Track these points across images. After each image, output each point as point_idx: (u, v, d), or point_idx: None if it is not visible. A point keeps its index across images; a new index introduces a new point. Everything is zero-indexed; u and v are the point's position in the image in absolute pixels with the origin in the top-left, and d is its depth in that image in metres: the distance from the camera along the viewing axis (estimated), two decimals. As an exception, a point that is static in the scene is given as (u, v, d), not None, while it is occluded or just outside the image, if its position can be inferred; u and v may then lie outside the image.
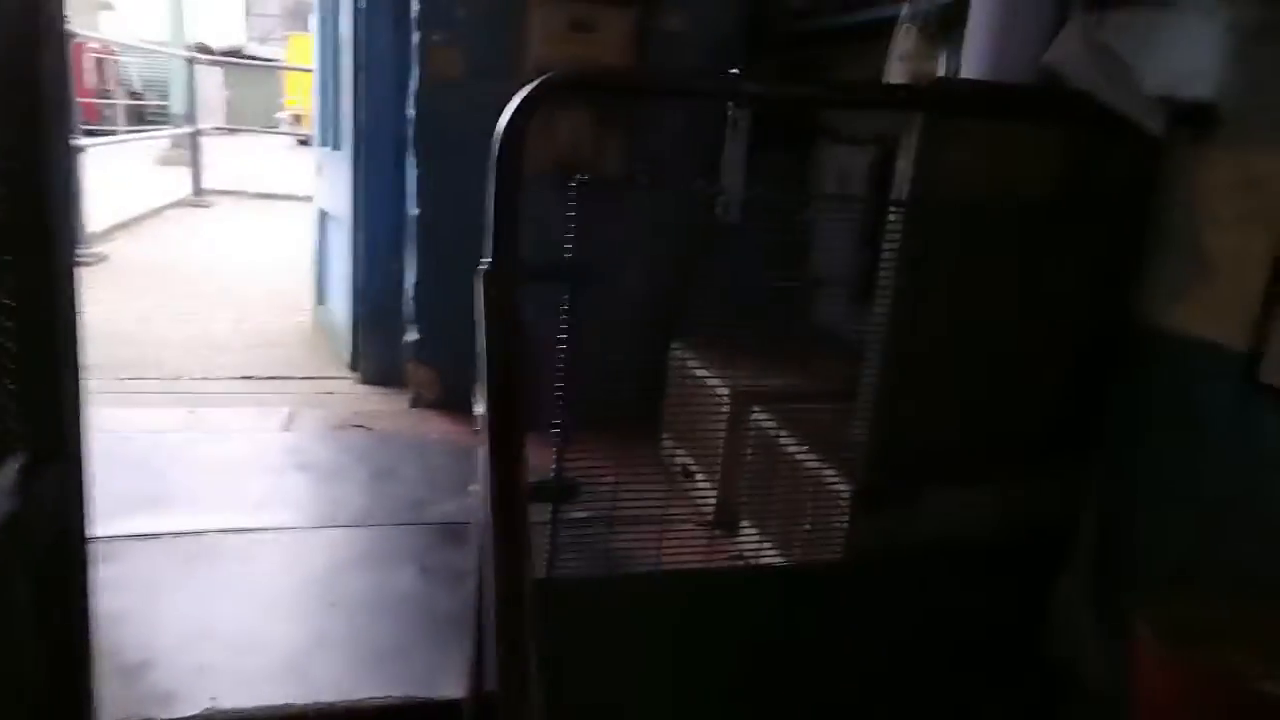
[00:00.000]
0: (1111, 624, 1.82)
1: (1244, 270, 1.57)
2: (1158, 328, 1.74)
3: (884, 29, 2.49)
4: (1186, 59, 1.71)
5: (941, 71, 1.98)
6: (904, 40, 2.01)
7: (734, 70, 1.47)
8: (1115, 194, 1.72)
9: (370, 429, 2.94)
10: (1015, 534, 1.83)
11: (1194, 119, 1.65)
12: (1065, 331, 1.75)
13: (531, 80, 1.36)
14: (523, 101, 1.28)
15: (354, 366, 3.47)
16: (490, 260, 1.33)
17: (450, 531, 2.27)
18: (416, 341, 3.10)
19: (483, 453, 1.28)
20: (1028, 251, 1.66)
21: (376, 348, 3.37)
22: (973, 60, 1.69)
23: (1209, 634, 1.39)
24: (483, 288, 1.31)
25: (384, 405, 3.17)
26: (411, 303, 3.10)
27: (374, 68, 3.12)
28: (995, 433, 1.76)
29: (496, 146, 1.29)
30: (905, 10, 2.02)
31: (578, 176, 1.42)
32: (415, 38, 2.85)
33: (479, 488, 1.39)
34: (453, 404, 3.10)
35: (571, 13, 2.75)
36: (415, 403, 3.15)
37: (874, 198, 2.00)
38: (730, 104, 1.40)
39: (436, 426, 3.00)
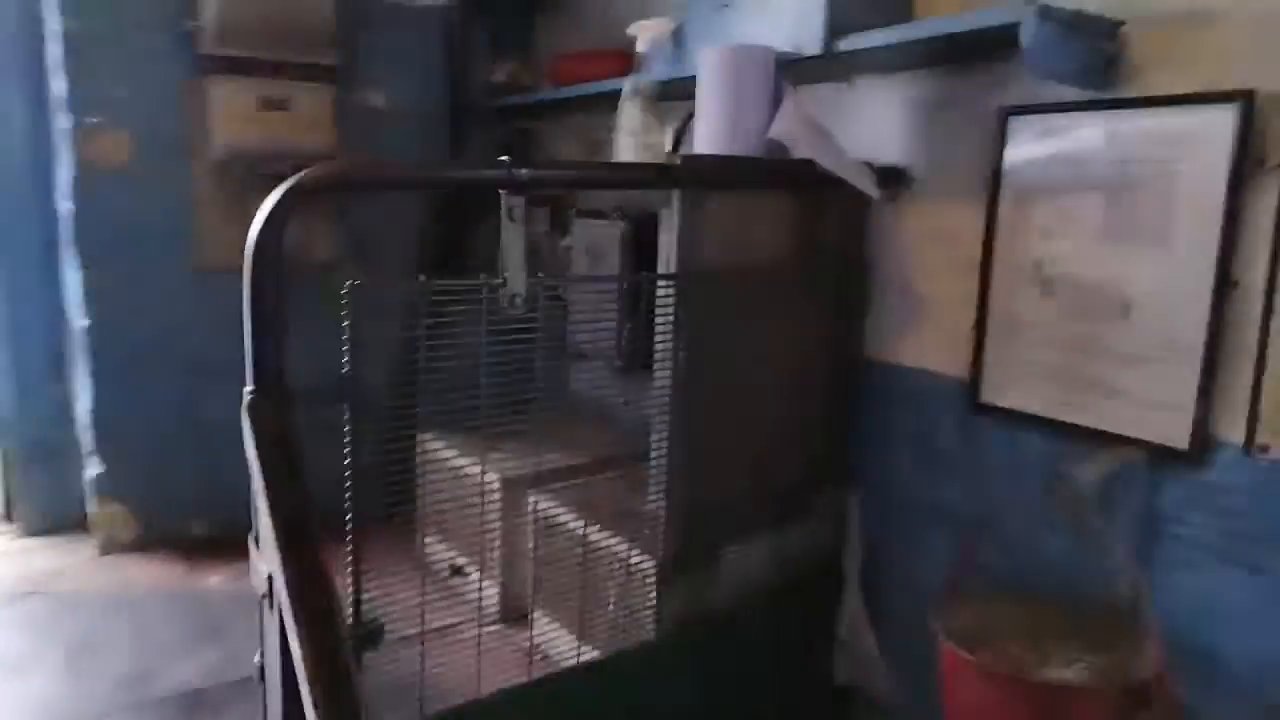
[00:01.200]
0: (890, 641, 1.98)
1: (954, 309, 1.81)
2: (891, 363, 1.95)
3: (592, 102, 2.60)
4: (877, 129, 1.96)
5: (668, 145, 2.08)
6: (630, 116, 2.08)
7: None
8: (843, 248, 1.91)
9: (50, 593, 2.39)
10: (803, 571, 1.93)
11: (892, 180, 1.88)
12: (816, 376, 1.89)
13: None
14: (273, 209, 1.10)
15: (9, 516, 2.81)
16: (254, 389, 1.12)
17: (193, 703, 1.89)
18: (101, 475, 2.59)
19: (270, 618, 1.07)
20: (780, 307, 1.78)
21: (41, 489, 2.77)
22: (706, 136, 1.78)
23: (992, 635, 1.56)
24: (250, 420, 1.10)
25: (62, 559, 2.60)
26: (90, 430, 2.59)
27: (5, 158, 2.60)
28: (772, 480, 1.84)
29: (249, 260, 1.10)
30: (627, 87, 2.09)
31: (349, 281, 1.26)
32: (64, 120, 2.42)
33: (263, 659, 1.17)
34: (156, 543, 2.63)
35: (261, 90, 2.50)
36: (106, 549, 2.62)
37: (635, 270, 2.02)
38: (503, 191, 1.33)
39: (142, 574, 2.51)
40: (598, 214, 2.17)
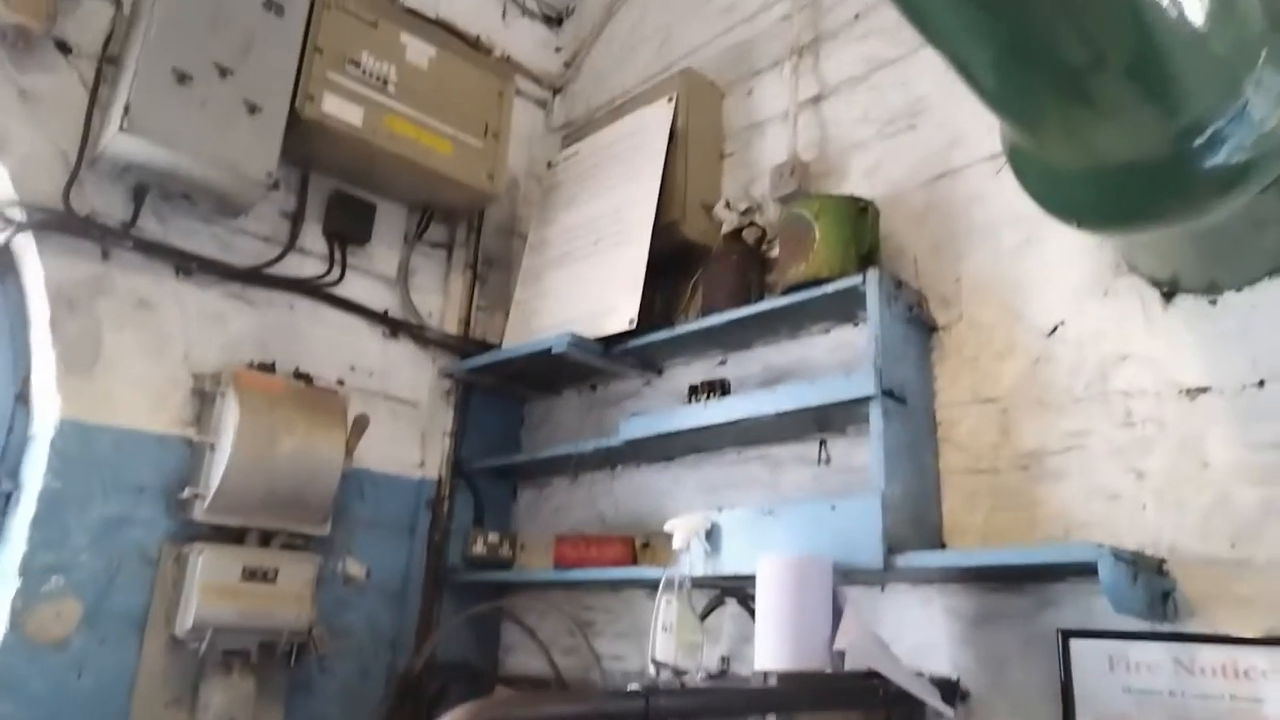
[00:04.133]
0: None
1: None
2: None
3: (584, 584, 2.58)
4: (913, 635, 1.97)
5: (702, 641, 2.02)
6: (666, 611, 2.04)
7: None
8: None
9: None
10: None
11: (948, 694, 1.85)
12: None
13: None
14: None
15: None
16: None
17: None
18: None
19: None
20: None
21: None
22: (770, 651, 1.74)
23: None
24: None
25: None
26: None
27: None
28: None
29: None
30: (664, 583, 2.08)
31: None
32: (12, 580, 2.15)
33: None
34: None
35: (247, 559, 2.34)
36: None
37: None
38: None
39: None
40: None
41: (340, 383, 2.80)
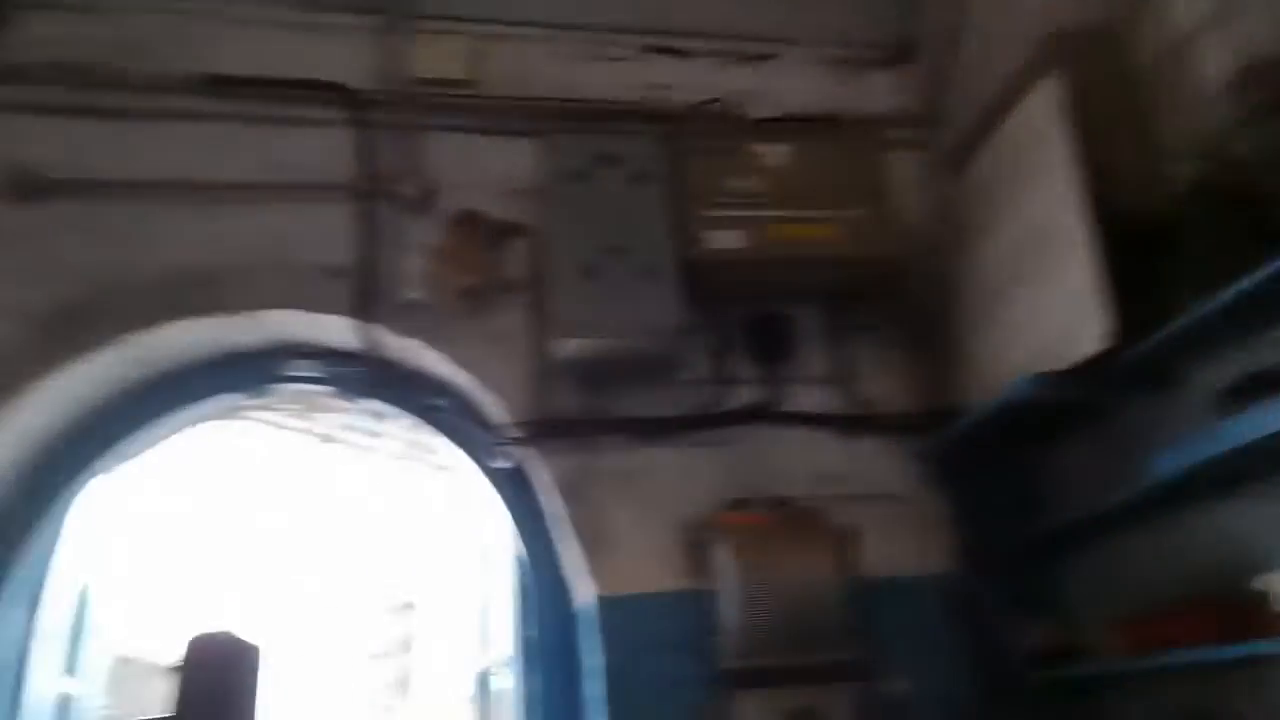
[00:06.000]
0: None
1: None
2: None
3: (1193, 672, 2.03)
4: None
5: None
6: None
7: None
8: None
9: None
10: None
11: None
12: None
13: None
14: None
15: None
16: None
17: None
18: None
19: None
20: None
21: None
22: None
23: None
24: None
25: None
26: None
27: None
28: None
29: None
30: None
31: None
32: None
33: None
34: None
35: (784, 701, 2.30)
36: None
37: None
38: None
39: None
40: None
41: (818, 496, 2.72)
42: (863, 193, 2.83)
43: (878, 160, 2.89)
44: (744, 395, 2.83)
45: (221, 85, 2.85)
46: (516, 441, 2.68)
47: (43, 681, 2.57)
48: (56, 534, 2.66)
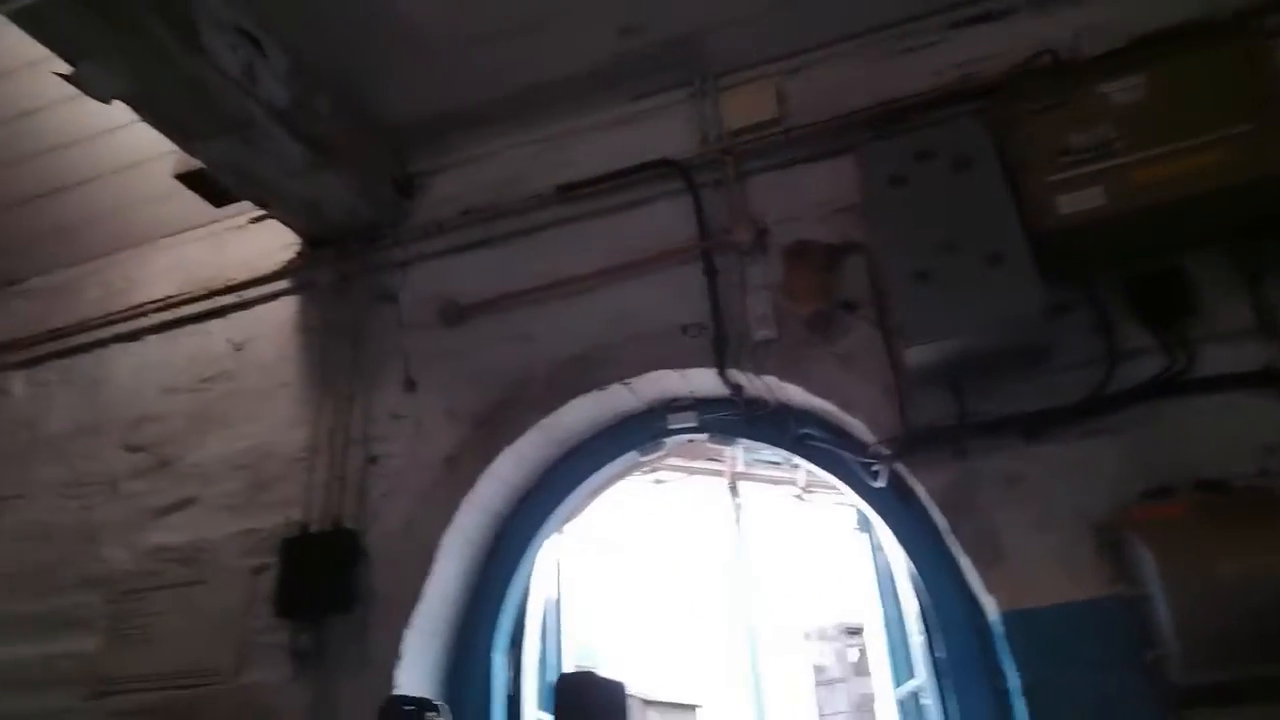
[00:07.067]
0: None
1: None
2: None
3: None
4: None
5: None
6: None
7: None
8: None
9: None
10: None
11: None
12: None
13: None
14: None
15: None
16: None
17: None
18: None
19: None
20: None
21: None
22: None
23: None
24: None
25: None
26: None
27: None
28: None
29: None
30: None
31: None
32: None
33: None
34: None
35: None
36: None
37: None
38: None
39: None
40: None
41: (1267, 473, 2.25)
42: (1251, 100, 2.34)
43: (1262, 56, 2.37)
44: (1140, 369, 2.46)
45: (573, 190, 3.31)
46: (886, 459, 2.64)
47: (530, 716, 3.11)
48: (526, 585, 3.22)
